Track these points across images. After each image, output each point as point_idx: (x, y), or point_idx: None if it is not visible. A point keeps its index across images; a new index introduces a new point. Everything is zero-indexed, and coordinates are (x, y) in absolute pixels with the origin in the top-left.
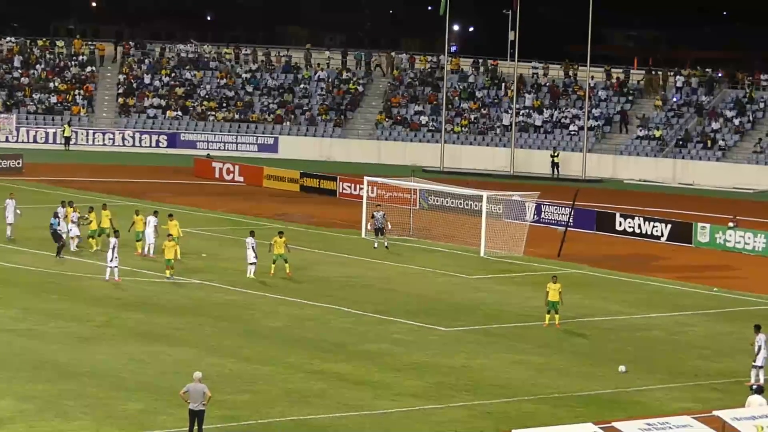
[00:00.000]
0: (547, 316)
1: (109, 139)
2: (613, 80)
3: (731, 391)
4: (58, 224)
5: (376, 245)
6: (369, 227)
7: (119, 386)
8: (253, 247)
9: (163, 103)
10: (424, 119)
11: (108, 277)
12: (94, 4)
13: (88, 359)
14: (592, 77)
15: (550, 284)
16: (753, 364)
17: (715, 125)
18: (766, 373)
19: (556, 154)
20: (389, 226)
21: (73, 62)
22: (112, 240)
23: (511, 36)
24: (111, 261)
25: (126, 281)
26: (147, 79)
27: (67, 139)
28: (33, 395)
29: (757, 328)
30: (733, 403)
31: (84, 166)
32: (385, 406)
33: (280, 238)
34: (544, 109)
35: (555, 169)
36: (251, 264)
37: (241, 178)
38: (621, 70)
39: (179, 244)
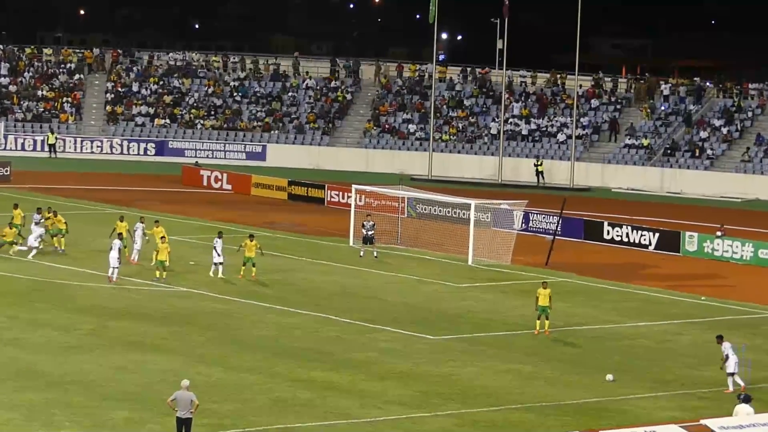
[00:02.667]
0: (538, 322)
1: (97, 146)
2: (601, 89)
3: (718, 399)
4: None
5: (362, 254)
6: (363, 232)
7: (106, 395)
8: (215, 248)
9: (151, 111)
10: (412, 127)
11: (114, 277)
12: (82, 12)
13: (75, 368)
14: (580, 86)
15: (540, 290)
16: (727, 372)
17: (703, 134)
18: (744, 378)
19: (539, 163)
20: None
21: (61, 70)
22: (117, 242)
23: (499, 44)
24: (115, 262)
25: (112, 289)
26: (135, 87)
27: (52, 147)
28: (19, 404)
29: (720, 338)
30: (720, 411)
31: (72, 174)
32: (372, 414)
33: (251, 241)
34: (532, 118)
35: (540, 178)
36: (220, 264)
37: (229, 186)
38: (609, 79)
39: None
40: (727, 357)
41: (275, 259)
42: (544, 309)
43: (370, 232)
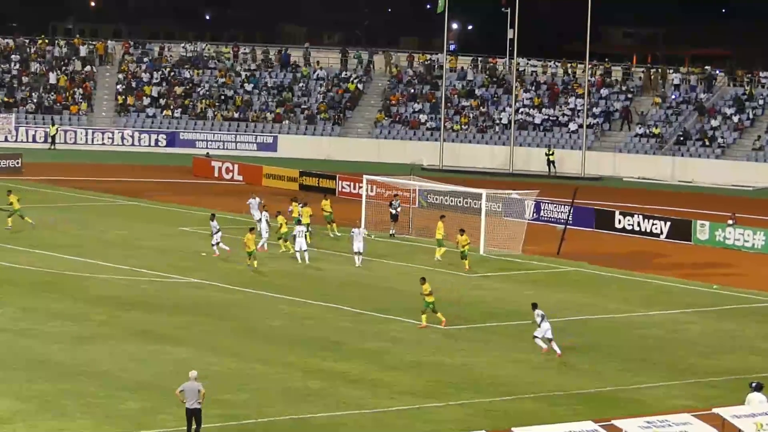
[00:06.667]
0: (423, 317)
1: (108, 138)
2: (612, 78)
3: (730, 388)
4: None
5: (392, 231)
6: (392, 211)
7: (118, 385)
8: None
9: (162, 102)
10: (423, 117)
11: (300, 259)
12: (93, 4)
13: (87, 359)
14: (591, 75)
15: (425, 285)
16: (546, 337)
17: (714, 123)
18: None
19: (551, 152)
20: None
21: (72, 61)
22: (300, 228)
23: (509, 34)
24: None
25: (124, 280)
26: (146, 78)
27: (52, 138)
28: (32, 395)
29: (534, 306)
30: (732, 400)
31: (83, 166)
32: (383, 404)
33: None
34: (543, 107)
35: (551, 167)
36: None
37: (241, 177)
38: (620, 68)
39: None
40: (541, 322)
41: (286, 249)
42: (428, 304)
43: (397, 210)
